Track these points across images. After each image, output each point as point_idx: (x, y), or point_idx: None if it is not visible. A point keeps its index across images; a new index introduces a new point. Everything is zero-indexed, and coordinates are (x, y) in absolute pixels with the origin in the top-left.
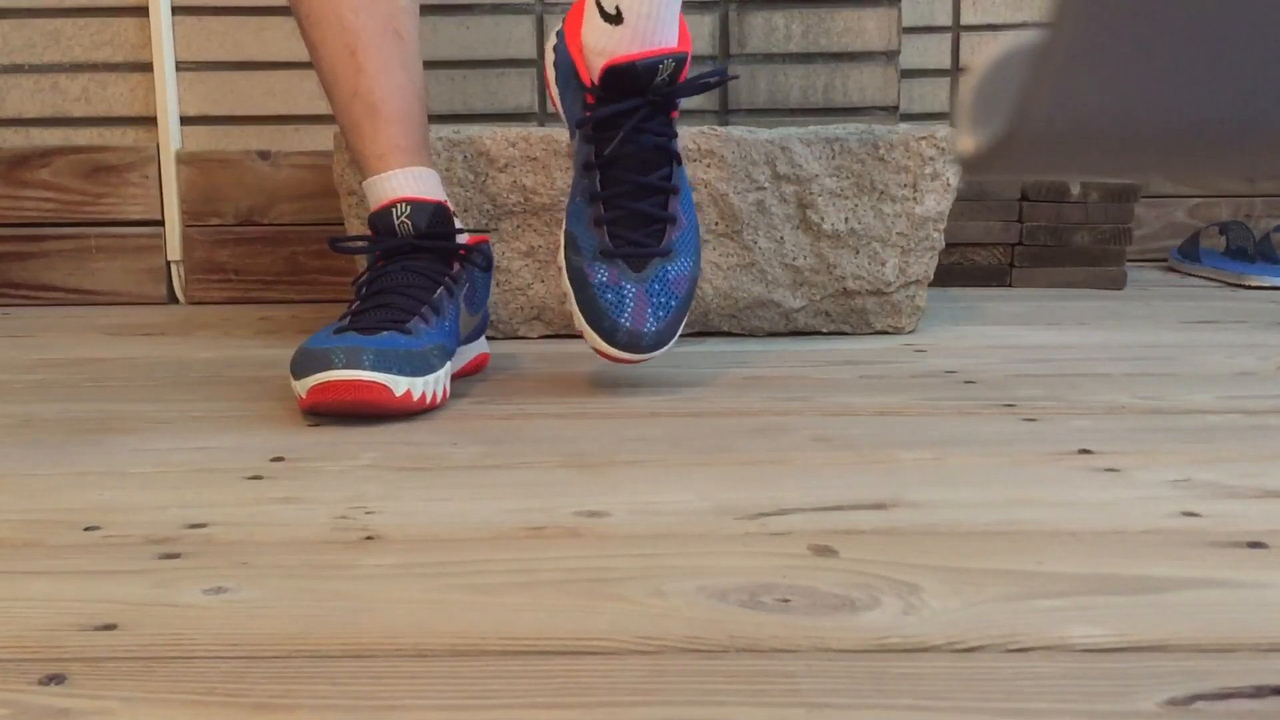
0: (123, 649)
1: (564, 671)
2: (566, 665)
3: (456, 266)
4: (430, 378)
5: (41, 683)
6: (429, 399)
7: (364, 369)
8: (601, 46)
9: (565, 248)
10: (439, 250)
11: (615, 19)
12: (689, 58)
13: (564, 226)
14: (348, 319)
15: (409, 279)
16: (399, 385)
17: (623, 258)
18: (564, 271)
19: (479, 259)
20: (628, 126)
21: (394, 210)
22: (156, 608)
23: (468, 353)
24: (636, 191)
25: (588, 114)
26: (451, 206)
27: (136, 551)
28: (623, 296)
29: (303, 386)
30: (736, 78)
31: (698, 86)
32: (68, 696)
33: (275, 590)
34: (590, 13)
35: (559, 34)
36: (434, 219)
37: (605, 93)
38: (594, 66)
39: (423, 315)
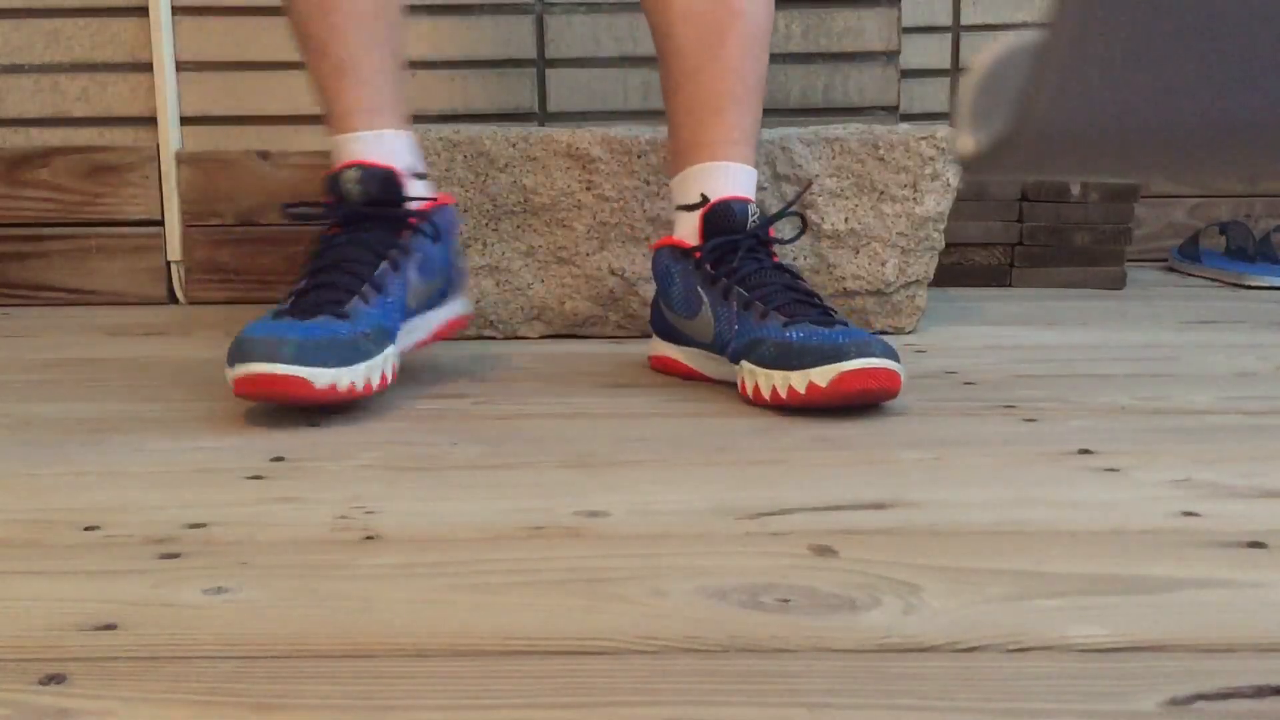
0: (123, 649)
1: (564, 671)
2: (566, 665)
3: (406, 235)
4: (361, 367)
5: (41, 683)
6: (360, 388)
7: (283, 362)
8: (693, 226)
9: (754, 364)
10: (386, 218)
11: (700, 203)
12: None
13: (740, 368)
14: (291, 299)
15: (354, 252)
16: (320, 377)
17: (809, 320)
18: (766, 374)
19: (427, 228)
20: (742, 250)
21: (343, 175)
22: (156, 608)
23: (432, 320)
24: (786, 289)
25: (698, 254)
26: (407, 170)
27: (136, 551)
28: (821, 333)
29: (230, 376)
30: (801, 218)
31: (783, 213)
32: (68, 696)
33: (275, 590)
34: (679, 219)
35: (655, 254)
36: (384, 185)
37: (711, 234)
38: (692, 233)
39: (363, 294)
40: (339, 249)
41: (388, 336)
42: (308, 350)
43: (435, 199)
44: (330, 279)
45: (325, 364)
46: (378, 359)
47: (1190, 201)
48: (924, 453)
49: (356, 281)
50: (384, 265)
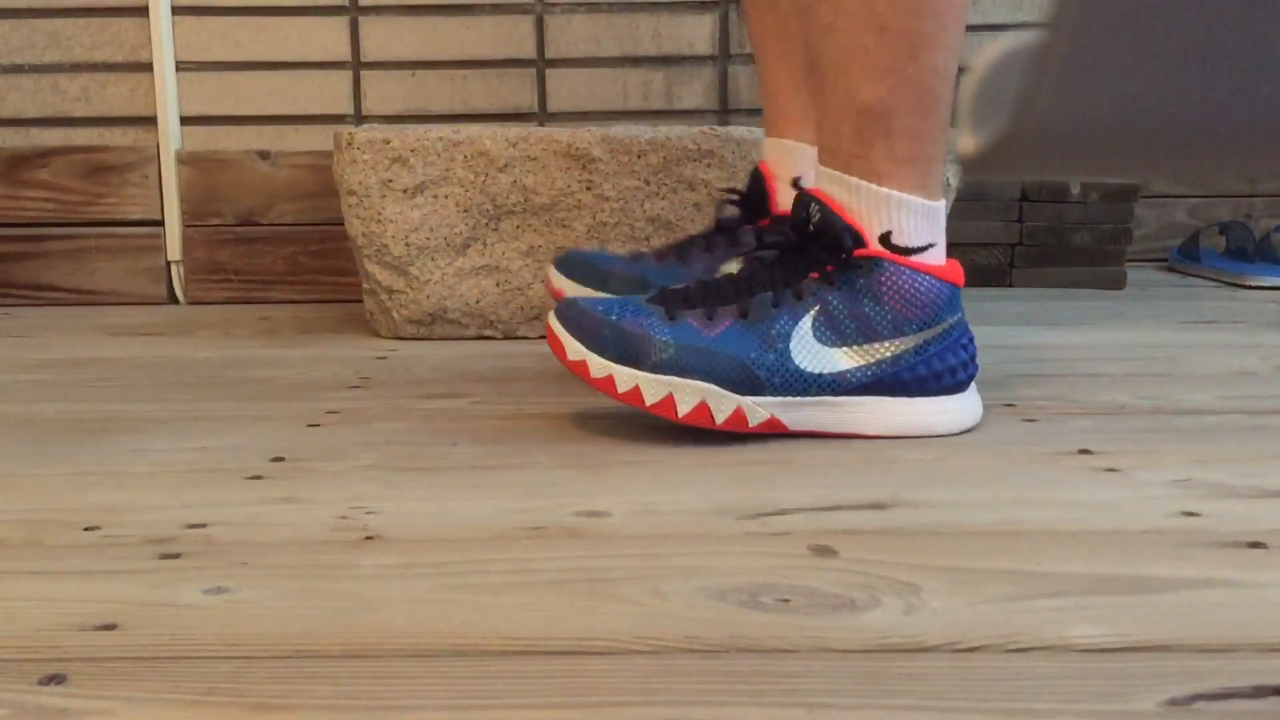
0: (123, 649)
1: (564, 671)
2: (566, 665)
3: (814, 279)
4: (633, 372)
5: (41, 683)
6: (626, 391)
7: (554, 320)
8: None
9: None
10: (806, 251)
11: None
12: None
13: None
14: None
15: (755, 273)
16: (574, 349)
17: None
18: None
19: (853, 282)
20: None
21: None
22: (156, 608)
23: (867, 410)
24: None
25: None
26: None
27: (136, 551)
28: None
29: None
30: None
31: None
32: (68, 696)
33: (275, 590)
34: None
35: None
36: (805, 210)
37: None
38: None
39: (714, 314)
40: (756, 263)
41: (690, 368)
42: (584, 322)
43: (871, 250)
44: (717, 283)
45: (587, 342)
46: (665, 378)
47: (1190, 201)
48: (924, 453)
49: (725, 301)
50: (764, 296)
